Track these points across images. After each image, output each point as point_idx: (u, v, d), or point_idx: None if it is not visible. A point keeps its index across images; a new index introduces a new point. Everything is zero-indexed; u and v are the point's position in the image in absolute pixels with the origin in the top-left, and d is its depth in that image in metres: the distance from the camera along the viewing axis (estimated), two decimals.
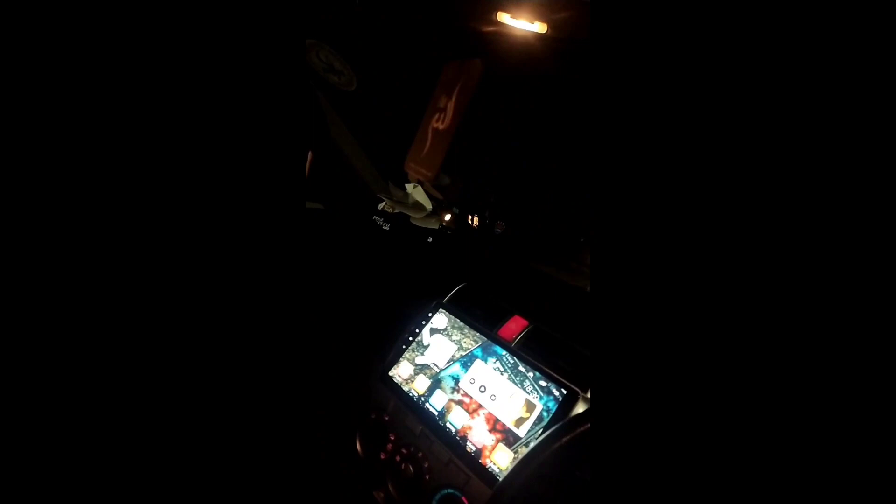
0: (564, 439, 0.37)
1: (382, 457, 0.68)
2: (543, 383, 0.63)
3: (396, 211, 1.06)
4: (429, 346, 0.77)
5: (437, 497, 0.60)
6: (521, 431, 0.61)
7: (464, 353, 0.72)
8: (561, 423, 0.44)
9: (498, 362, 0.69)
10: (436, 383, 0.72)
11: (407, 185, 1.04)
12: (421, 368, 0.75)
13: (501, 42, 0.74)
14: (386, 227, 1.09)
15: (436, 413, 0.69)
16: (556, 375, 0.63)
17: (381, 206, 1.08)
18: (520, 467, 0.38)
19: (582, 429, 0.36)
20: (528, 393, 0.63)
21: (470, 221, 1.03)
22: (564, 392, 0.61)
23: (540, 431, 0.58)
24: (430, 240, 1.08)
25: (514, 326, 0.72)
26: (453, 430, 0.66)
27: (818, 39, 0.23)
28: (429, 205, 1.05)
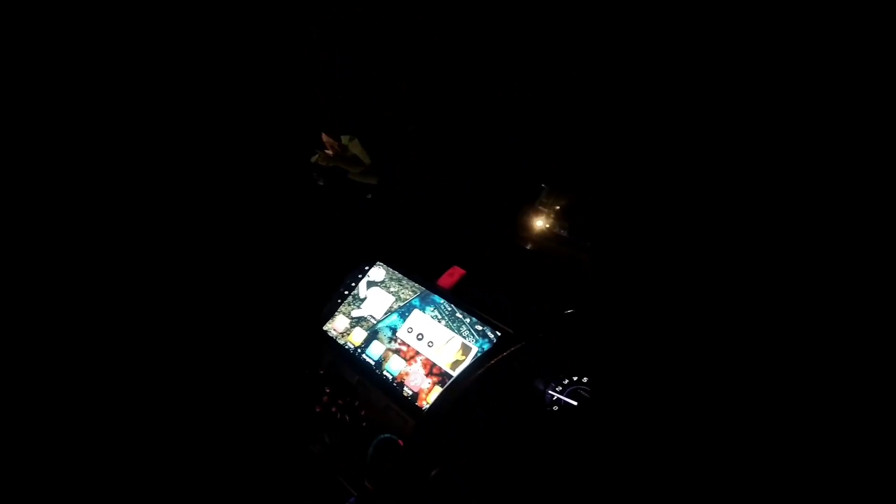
0: (483, 368, 0.38)
1: (318, 409, 0.66)
2: (479, 327, 0.65)
3: (331, 165, 1.01)
4: (366, 298, 0.75)
5: (375, 442, 0.60)
6: (457, 373, 0.62)
7: (402, 304, 0.72)
8: (481, 355, 0.45)
9: (436, 310, 0.69)
10: (373, 334, 0.71)
11: (343, 137, 0.98)
12: (357, 321, 0.73)
13: None
14: (321, 183, 1.03)
15: (372, 363, 0.68)
16: (490, 319, 0.64)
17: (314, 160, 1.01)
18: (442, 396, 0.38)
19: (500, 357, 0.37)
20: (464, 337, 0.64)
21: None
22: (499, 334, 0.63)
23: None
24: (369, 196, 1.04)
25: (453, 276, 0.72)
26: (390, 377, 0.65)
27: (818, 39, 0.23)
28: (367, 159, 1.00)
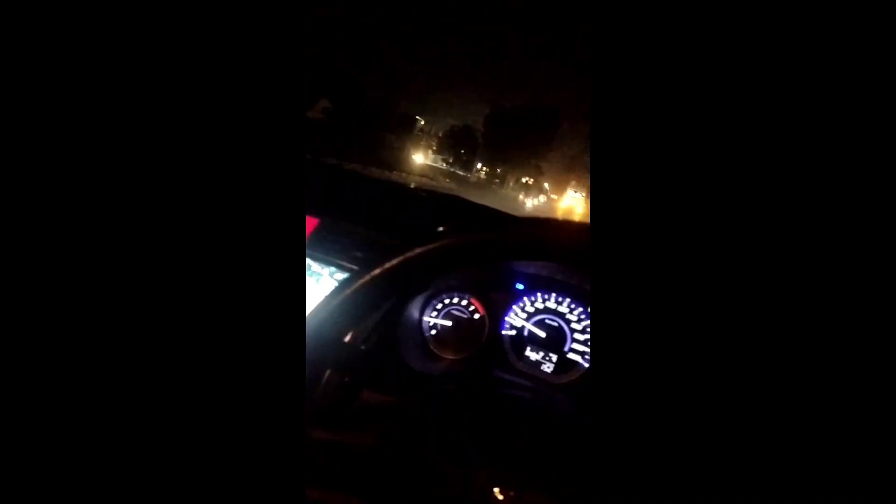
0: (332, 303, 0.34)
1: None
2: (339, 276, 0.61)
3: None
4: None
5: None
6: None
7: None
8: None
9: None
10: None
11: None
12: None
13: None
14: None
15: None
16: (349, 265, 0.61)
17: None
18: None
19: (345, 292, 0.33)
20: (324, 288, 0.61)
21: None
22: None
23: None
24: None
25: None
26: None
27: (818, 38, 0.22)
28: None
